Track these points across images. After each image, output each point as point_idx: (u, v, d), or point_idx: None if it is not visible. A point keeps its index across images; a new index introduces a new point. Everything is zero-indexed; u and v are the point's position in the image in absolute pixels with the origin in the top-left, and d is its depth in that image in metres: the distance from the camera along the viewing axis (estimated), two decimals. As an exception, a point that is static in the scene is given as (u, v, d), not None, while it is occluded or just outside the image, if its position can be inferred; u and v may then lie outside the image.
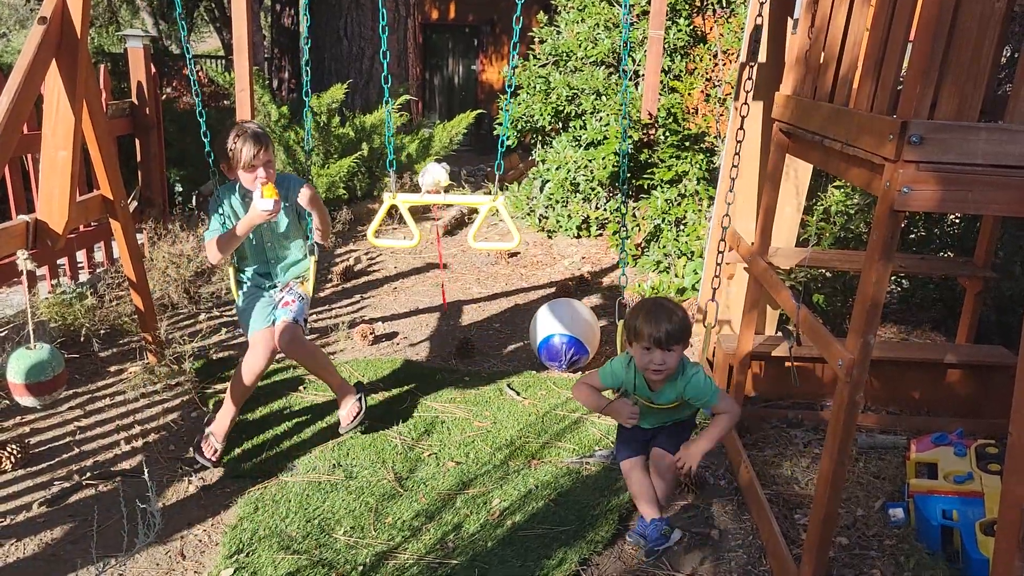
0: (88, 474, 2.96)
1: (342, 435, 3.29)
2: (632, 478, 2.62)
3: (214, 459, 3.04)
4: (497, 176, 3.39)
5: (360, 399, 3.29)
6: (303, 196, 3.07)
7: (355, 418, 3.23)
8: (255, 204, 2.94)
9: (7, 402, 3.30)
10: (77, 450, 3.13)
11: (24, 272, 2.79)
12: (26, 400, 2.62)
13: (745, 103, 3.16)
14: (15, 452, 2.96)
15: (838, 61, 2.42)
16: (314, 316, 4.72)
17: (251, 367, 3.08)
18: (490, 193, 3.30)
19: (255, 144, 2.97)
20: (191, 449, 3.11)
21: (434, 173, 3.64)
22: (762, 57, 3.55)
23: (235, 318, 3.40)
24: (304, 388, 3.71)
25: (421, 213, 6.86)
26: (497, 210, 3.28)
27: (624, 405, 2.59)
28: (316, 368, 3.25)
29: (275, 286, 3.32)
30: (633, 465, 2.62)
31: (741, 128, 3.15)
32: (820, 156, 2.57)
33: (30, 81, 2.82)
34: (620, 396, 2.66)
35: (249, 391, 3.15)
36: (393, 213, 6.58)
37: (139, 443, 3.20)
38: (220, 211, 3.15)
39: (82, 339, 3.97)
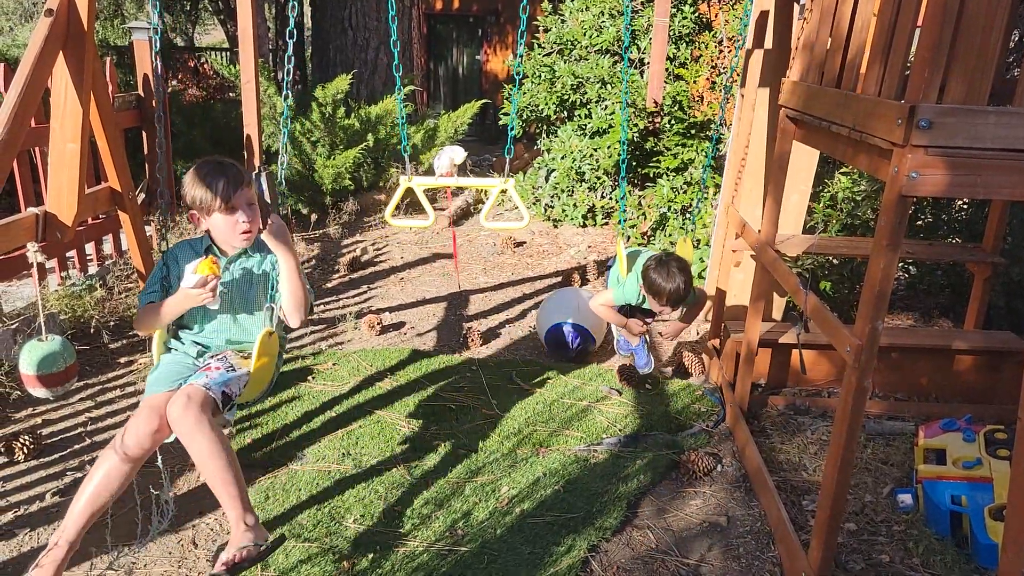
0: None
1: (350, 424, 3.31)
2: (627, 325, 3.68)
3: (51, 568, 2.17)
4: (507, 160, 3.41)
5: (259, 546, 2.35)
6: (269, 227, 2.37)
7: (239, 562, 2.28)
8: (183, 281, 2.32)
9: (19, 393, 3.33)
10: (89, 441, 3.15)
11: (34, 264, 2.81)
12: (38, 391, 2.64)
13: (754, 88, 3.15)
14: (28, 443, 2.98)
15: (845, 46, 2.41)
16: (322, 306, 4.74)
17: (126, 446, 2.24)
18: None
19: (233, 179, 2.34)
20: None
21: (450, 154, 3.66)
22: (768, 43, 3.54)
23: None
24: (313, 378, 3.73)
25: (430, 202, 6.86)
26: (507, 192, 3.32)
27: (636, 325, 3.64)
28: (211, 469, 2.27)
29: (207, 350, 2.57)
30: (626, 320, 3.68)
31: (745, 113, 3.14)
32: (827, 142, 2.56)
33: (37, 74, 2.83)
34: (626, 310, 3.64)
35: (111, 492, 2.25)
36: (399, 204, 6.59)
37: (150, 433, 3.22)
38: (164, 270, 2.50)
39: (92, 331, 4.00)
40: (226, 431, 3.12)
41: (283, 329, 2.65)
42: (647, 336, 3.82)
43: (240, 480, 2.34)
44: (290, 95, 3.07)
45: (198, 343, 2.56)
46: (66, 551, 2.20)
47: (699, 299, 3.64)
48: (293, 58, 3.19)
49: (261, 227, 2.42)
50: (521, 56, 3.34)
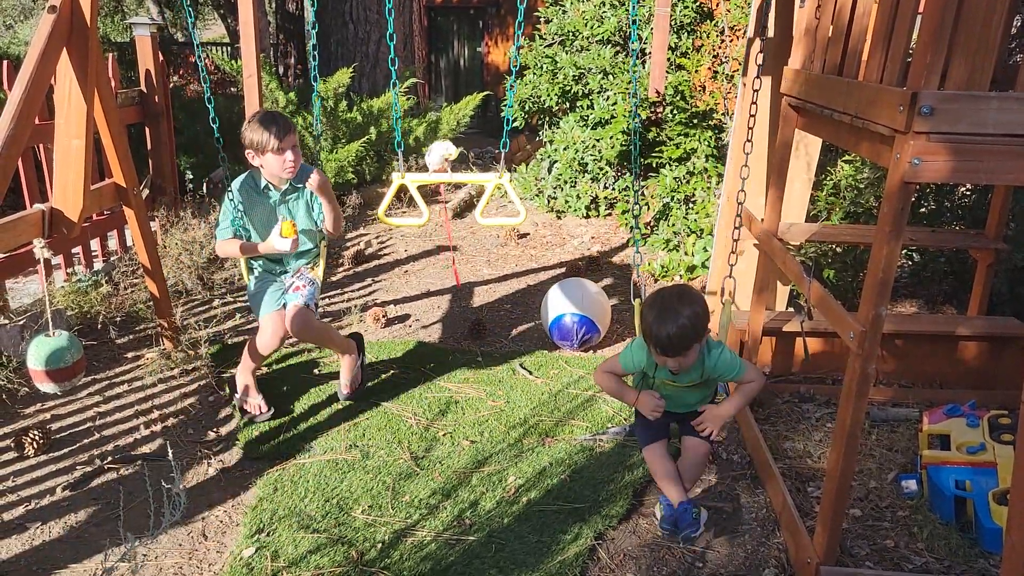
0: (109, 458, 3.01)
1: (357, 416, 3.33)
2: (656, 463, 2.57)
3: (264, 410, 3.28)
4: (503, 155, 3.41)
5: (359, 364, 3.47)
6: (312, 181, 3.10)
7: (356, 389, 3.43)
8: (272, 242, 3.07)
9: (28, 389, 3.35)
10: (98, 435, 3.18)
11: (41, 260, 2.83)
12: (46, 386, 2.66)
13: (757, 78, 3.15)
14: (37, 438, 3.00)
15: (847, 33, 2.41)
16: (326, 300, 4.75)
17: (261, 348, 3.19)
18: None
19: (283, 127, 3.02)
20: (240, 412, 3.30)
21: (439, 150, 3.66)
22: (770, 32, 3.54)
23: (248, 303, 3.43)
24: (319, 371, 3.75)
25: (429, 196, 6.87)
26: (503, 187, 3.31)
27: (649, 398, 2.54)
28: (326, 343, 3.38)
29: (286, 271, 3.37)
30: (657, 450, 2.58)
31: (754, 103, 3.15)
32: (830, 130, 2.57)
33: (42, 70, 2.84)
34: (643, 381, 2.63)
35: (258, 367, 3.32)
36: (402, 196, 6.61)
37: (158, 427, 3.25)
38: (233, 206, 3.18)
39: (99, 326, 4.02)
40: (232, 423, 3.16)
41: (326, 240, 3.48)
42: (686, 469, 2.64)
43: (340, 339, 3.37)
44: (319, 104, 3.39)
45: (273, 260, 3.35)
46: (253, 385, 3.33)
47: (752, 375, 2.55)
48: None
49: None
50: (520, 47, 3.34)
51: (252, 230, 3.24)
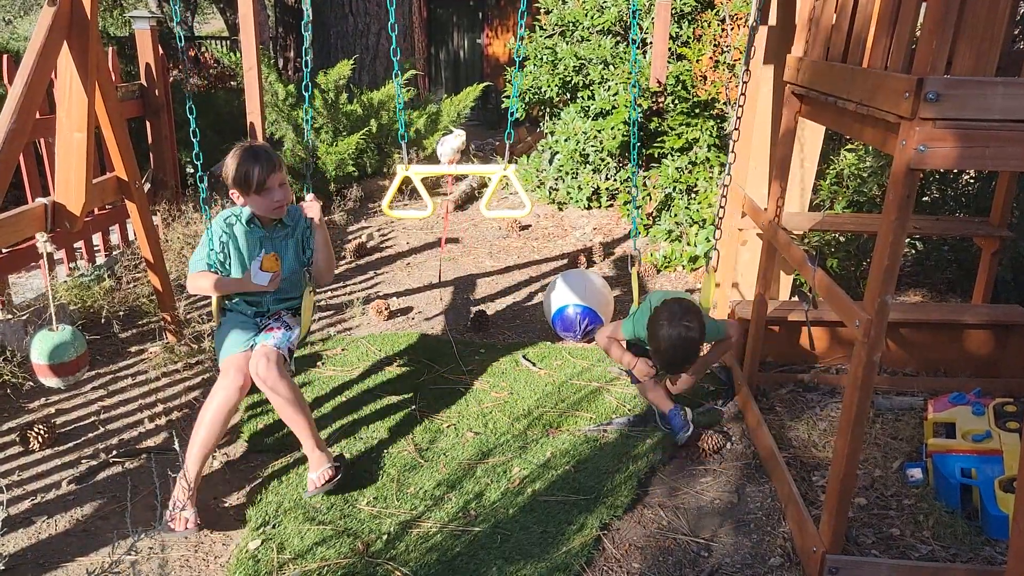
0: (115, 452, 3.01)
1: (360, 408, 3.33)
2: (648, 388, 3.11)
3: (191, 527, 2.53)
4: (507, 146, 3.39)
5: (337, 466, 2.74)
6: (310, 208, 2.84)
7: (327, 482, 2.68)
8: (252, 275, 2.75)
9: (32, 384, 3.36)
10: (102, 429, 3.18)
11: (44, 254, 2.82)
12: (50, 381, 2.66)
13: (759, 66, 3.13)
14: (42, 432, 3.01)
15: (851, 20, 2.39)
16: (329, 293, 4.75)
17: (220, 401, 2.63)
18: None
19: (267, 163, 2.70)
20: (164, 525, 2.55)
21: (452, 143, 3.65)
22: (772, 20, 3.52)
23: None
24: (322, 364, 3.75)
25: (432, 189, 6.86)
26: (507, 179, 3.29)
27: (644, 365, 3.01)
28: (291, 413, 2.70)
29: (262, 313, 2.96)
30: (648, 382, 3.09)
31: (743, 94, 3.13)
32: (834, 118, 2.55)
33: (43, 64, 2.83)
34: (638, 347, 3.10)
35: (219, 435, 2.63)
36: (404, 189, 6.59)
37: (162, 421, 3.25)
38: (214, 239, 2.82)
39: (102, 321, 4.02)
40: (236, 417, 3.16)
41: (313, 287, 3.06)
42: (670, 383, 3.18)
43: (311, 420, 2.77)
44: (309, 87, 3.15)
45: (249, 303, 2.95)
46: (191, 492, 2.59)
47: (724, 338, 3.06)
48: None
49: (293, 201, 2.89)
50: (522, 38, 3.32)
51: (231, 268, 2.87)
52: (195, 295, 4.57)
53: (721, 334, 3.02)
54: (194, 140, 2.89)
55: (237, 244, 2.86)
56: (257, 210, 2.82)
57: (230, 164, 2.71)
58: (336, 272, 5.09)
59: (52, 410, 3.31)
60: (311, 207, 2.86)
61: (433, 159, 7.30)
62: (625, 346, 3.15)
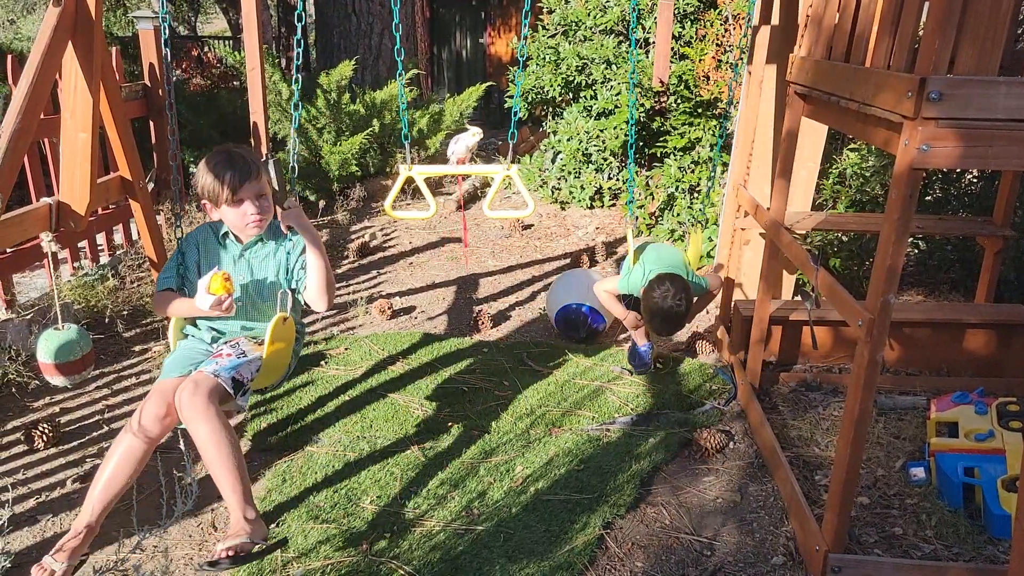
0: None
1: (364, 407, 3.34)
2: (630, 324, 3.56)
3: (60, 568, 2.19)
4: (511, 146, 3.40)
5: (253, 543, 2.33)
6: (286, 217, 2.46)
7: (228, 558, 2.23)
8: (197, 299, 2.36)
9: (37, 383, 3.37)
10: (107, 428, 3.19)
11: (49, 254, 2.84)
12: (56, 379, 2.67)
13: (761, 65, 3.14)
14: (47, 431, 3.02)
15: (854, 19, 2.40)
16: (332, 292, 4.75)
17: (131, 432, 2.30)
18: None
19: (241, 171, 2.38)
20: None
21: (467, 140, 3.66)
22: (775, 19, 3.52)
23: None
24: (325, 363, 3.76)
25: (434, 188, 6.87)
26: (510, 179, 3.30)
27: (634, 318, 3.50)
28: (211, 457, 2.28)
29: (221, 337, 2.62)
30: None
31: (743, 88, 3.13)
32: (836, 117, 2.56)
33: (48, 63, 2.85)
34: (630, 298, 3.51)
35: (127, 476, 2.30)
36: (406, 189, 6.60)
37: (166, 420, 3.26)
38: (185, 254, 2.58)
39: (106, 320, 4.03)
40: (240, 417, 3.16)
41: (300, 314, 2.71)
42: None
43: (243, 472, 2.34)
44: (299, 79, 3.06)
45: (213, 328, 2.61)
46: (84, 535, 2.26)
47: (708, 289, 3.53)
48: (302, 42, 3.17)
49: (275, 214, 2.51)
50: (525, 38, 3.32)
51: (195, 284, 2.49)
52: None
53: (704, 289, 3.46)
54: (171, 139, 2.76)
55: (210, 263, 2.55)
56: (229, 224, 2.51)
57: (201, 170, 2.42)
58: (339, 272, 5.11)
59: (57, 409, 3.32)
60: (287, 215, 2.46)
61: (435, 159, 7.31)
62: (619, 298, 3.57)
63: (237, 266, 2.57)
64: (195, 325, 2.63)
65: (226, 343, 2.56)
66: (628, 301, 3.57)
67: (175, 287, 2.56)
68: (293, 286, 2.58)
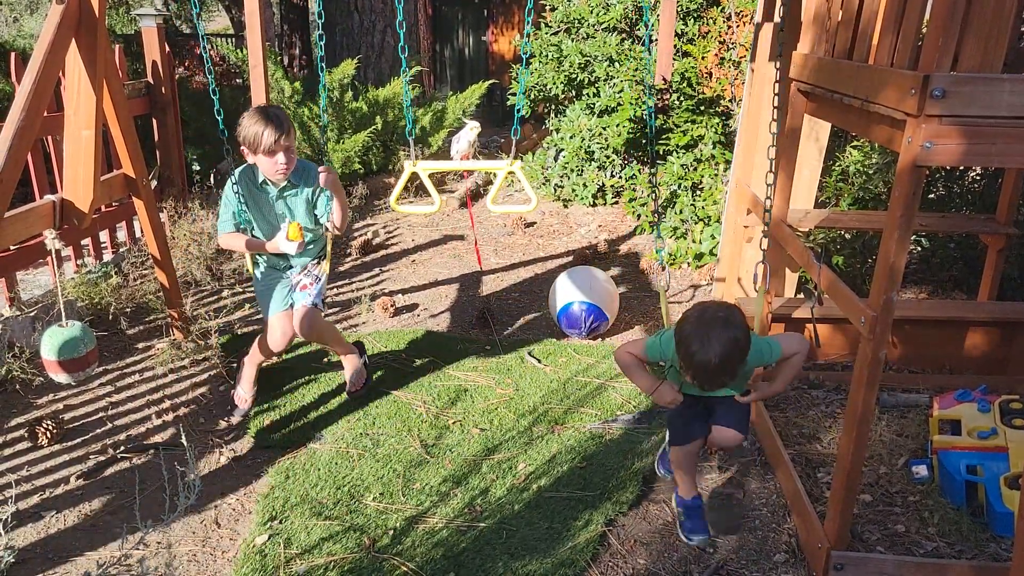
0: (123, 447, 3.03)
1: (367, 404, 3.34)
2: (684, 460, 2.44)
3: (245, 404, 3.31)
4: (514, 142, 3.40)
5: (363, 362, 3.46)
6: (323, 179, 3.00)
7: (360, 382, 3.40)
8: (279, 243, 3.00)
9: (41, 379, 3.38)
10: (110, 425, 3.20)
11: (52, 251, 2.84)
12: (60, 376, 2.68)
13: (764, 63, 3.13)
14: (51, 428, 3.02)
15: (857, 17, 2.39)
16: (335, 289, 4.77)
17: (271, 346, 3.21)
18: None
19: (276, 128, 2.87)
20: (225, 417, 3.27)
21: (467, 135, 3.66)
22: (778, 16, 3.52)
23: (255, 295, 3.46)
24: (328, 360, 3.76)
25: (437, 186, 6.86)
26: (514, 175, 3.29)
27: (669, 390, 2.38)
28: (331, 343, 3.38)
29: (291, 267, 3.29)
30: (690, 450, 2.43)
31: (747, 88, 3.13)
32: (839, 115, 2.55)
33: (51, 61, 2.85)
34: (669, 370, 2.46)
35: (266, 360, 3.39)
36: (409, 186, 6.60)
37: (170, 417, 3.27)
38: (234, 199, 3.07)
39: (110, 317, 4.04)
40: (241, 418, 3.17)
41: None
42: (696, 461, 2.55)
43: (346, 345, 3.41)
44: (323, 67, 3.26)
45: (276, 255, 3.22)
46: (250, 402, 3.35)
47: (795, 347, 2.36)
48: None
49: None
50: (528, 35, 3.32)
51: (254, 223, 3.15)
52: (203, 288, 4.59)
53: (776, 353, 2.35)
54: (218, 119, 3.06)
55: (254, 202, 3.10)
56: (262, 169, 3.01)
57: (244, 122, 2.92)
58: (342, 269, 5.12)
59: (60, 406, 3.33)
60: (326, 179, 3.02)
61: (439, 156, 7.30)
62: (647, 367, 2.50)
63: (276, 206, 3.11)
64: (260, 255, 3.27)
65: (301, 271, 3.26)
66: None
67: (237, 227, 3.12)
68: (319, 212, 3.17)
